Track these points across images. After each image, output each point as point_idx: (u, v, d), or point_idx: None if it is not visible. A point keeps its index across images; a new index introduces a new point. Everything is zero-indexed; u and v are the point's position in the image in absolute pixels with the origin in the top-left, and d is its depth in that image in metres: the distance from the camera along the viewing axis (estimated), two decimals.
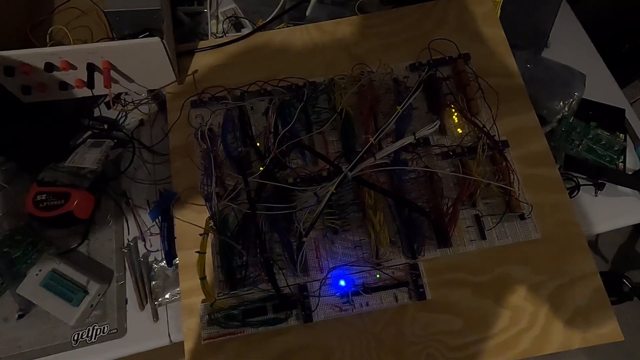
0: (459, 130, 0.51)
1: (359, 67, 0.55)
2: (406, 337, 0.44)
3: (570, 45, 0.63)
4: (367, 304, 0.45)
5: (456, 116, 0.52)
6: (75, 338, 0.46)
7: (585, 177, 0.55)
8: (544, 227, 0.47)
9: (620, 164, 0.55)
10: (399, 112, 0.47)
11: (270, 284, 0.44)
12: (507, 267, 0.46)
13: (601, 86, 0.60)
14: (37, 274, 0.47)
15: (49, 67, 0.46)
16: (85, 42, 0.46)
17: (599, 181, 0.54)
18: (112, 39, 0.52)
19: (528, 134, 0.51)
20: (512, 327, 0.44)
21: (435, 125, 0.47)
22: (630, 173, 0.55)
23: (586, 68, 0.58)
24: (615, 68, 0.63)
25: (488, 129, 0.50)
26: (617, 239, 1.17)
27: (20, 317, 0.47)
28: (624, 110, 0.58)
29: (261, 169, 0.48)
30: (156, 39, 0.46)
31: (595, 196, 0.54)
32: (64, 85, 0.49)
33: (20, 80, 0.47)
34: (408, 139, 0.46)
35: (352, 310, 0.44)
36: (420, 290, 0.45)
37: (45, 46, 0.49)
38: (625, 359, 1.02)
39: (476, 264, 0.46)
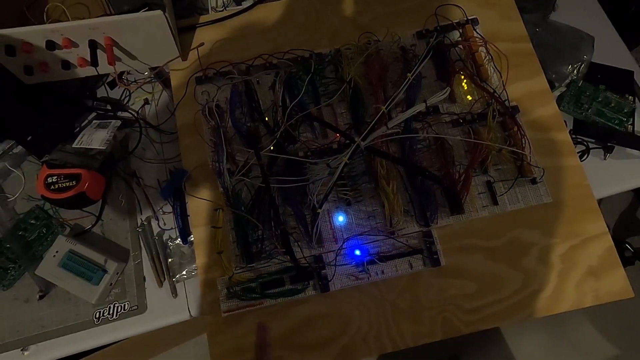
0: (469, 97, 0.51)
1: (365, 37, 0.54)
2: (422, 302, 0.45)
3: (577, 7, 0.62)
4: (383, 272, 0.45)
5: (466, 83, 0.51)
6: (97, 316, 0.47)
7: (594, 140, 0.55)
8: (555, 190, 0.48)
9: (629, 126, 0.55)
10: (409, 79, 0.47)
11: (287, 256, 0.45)
12: (519, 231, 0.47)
13: (609, 49, 0.59)
14: (54, 255, 0.47)
15: (51, 45, 0.44)
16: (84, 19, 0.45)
17: (608, 144, 0.54)
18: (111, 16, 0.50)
19: (538, 98, 0.51)
20: (525, 289, 0.45)
21: (446, 92, 0.47)
22: (639, 135, 0.55)
23: (594, 30, 0.58)
24: (623, 30, 0.62)
25: (498, 94, 0.49)
26: (619, 206, 1.18)
27: (41, 297, 0.47)
28: (632, 72, 0.58)
29: (272, 144, 0.48)
30: (158, 12, 0.45)
31: (605, 159, 0.54)
32: (66, 65, 0.48)
33: (21, 59, 0.46)
34: (419, 107, 0.46)
35: (368, 279, 0.45)
36: (435, 256, 0.45)
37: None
38: (627, 321, 1.04)
39: (489, 230, 0.47)
